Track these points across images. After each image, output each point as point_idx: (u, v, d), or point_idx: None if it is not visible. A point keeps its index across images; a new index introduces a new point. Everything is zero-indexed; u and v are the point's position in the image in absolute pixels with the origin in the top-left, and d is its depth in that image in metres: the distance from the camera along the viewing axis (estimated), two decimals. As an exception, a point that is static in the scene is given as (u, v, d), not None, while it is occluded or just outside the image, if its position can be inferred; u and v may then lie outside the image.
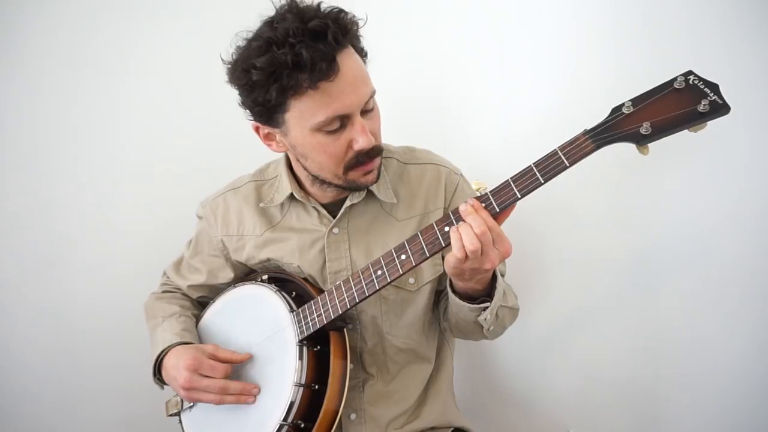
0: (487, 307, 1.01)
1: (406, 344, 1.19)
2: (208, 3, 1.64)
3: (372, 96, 1.02)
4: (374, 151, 1.04)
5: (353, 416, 1.17)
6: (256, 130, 1.10)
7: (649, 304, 1.31)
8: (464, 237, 0.88)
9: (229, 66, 1.02)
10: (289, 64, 0.92)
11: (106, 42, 1.59)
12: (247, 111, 1.05)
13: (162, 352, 1.15)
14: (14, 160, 1.56)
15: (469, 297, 1.03)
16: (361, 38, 1.03)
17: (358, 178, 1.06)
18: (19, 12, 1.52)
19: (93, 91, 1.59)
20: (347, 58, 0.97)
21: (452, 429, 1.24)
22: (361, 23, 1.01)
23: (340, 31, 0.95)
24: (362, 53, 1.04)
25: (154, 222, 1.61)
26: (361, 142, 1.00)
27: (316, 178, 1.10)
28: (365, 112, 1.02)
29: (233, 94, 1.05)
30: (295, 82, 0.93)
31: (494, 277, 1.01)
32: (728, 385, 1.24)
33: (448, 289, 1.04)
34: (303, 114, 0.98)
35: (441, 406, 1.24)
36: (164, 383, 1.20)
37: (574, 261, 1.39)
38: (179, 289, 1.33)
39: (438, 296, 1.23)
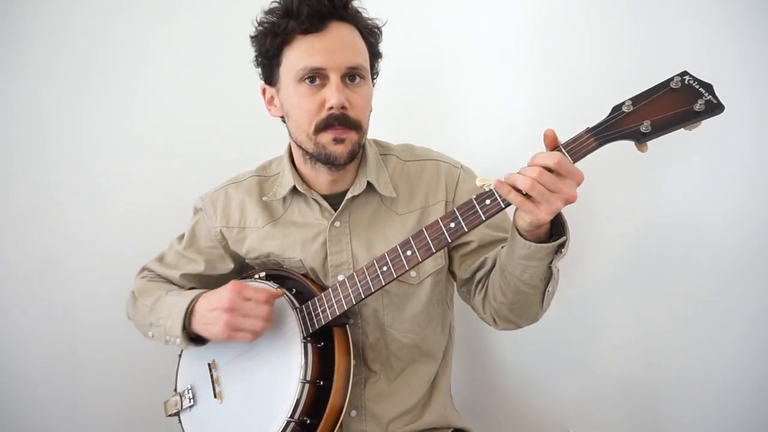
0: (564, 243, 0.97)
1: (409, 338, 1.25)
2: (211, 4, 1.71)
3: (359, 69, 1.12)
4: (347, 120, 1.11)
5: (354, 413, 1.23)
6: (263, 92, 1.22)
7: (649, 304, 1.37)
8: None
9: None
10: (282, 11, 1.10)
11: (107, 43, 1.65)
12: (260, 73, 1.20)
13: (193, 299, 1.17)
14: (16, 159, 1.61)
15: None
16: (378, 38, 1.18)
17: (328, 144, 1.12)
18: (23, 12, 1.58)
19: (95, 91, 1.65)
20: (343, 28, 1.11)
21: (452, 429, 1.30)
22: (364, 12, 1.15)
23: (341, 3, 1.10)
24: (372, 48, 1.18)
25: (154, 221, 1.65)
26: (332, 100, 1.09)
27: (304, 153, 1.18)
28: (351, 82, 1.12)
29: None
30: (285, 26, 1.09)
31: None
32: (728, 384, 1.30)
33: (522, 243, 0.98)
34: (290, 63, 1.11)
35: (441, 407, 1.30)
36: (191, 340, 1.19)
37: (574, 260, 1.42)
38: (168, 279, 1.36)
39: (470, 288, 1.24)
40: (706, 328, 1.31)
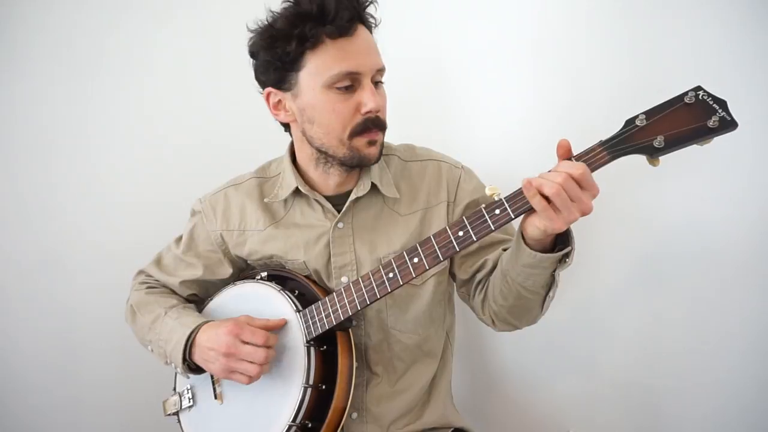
0: (569, 252, 0.99)
1: (412, 339, 1.25)
2: (213, 4, 1.71)
3: (383, 71, 1.13)
4: (380, 123, 1.13)
5: (355, 415, 1.23)
6: (267, 97, 1.18)
7: (649, 304, 1.38)
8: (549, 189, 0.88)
9: (254, 32, 1.12)
10: (313, 13, 1.05)
11: (109, 43, 1.64)
12: (263, 76, 1.15)
13: (193, 331, 1.17)
14: (18, 158, 1.61)
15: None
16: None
17: (362, 147, 1.13)
18: (25, 12, 1.57)
19: (96, 90, 1.65)
20: (364, 31, 1.11)
21: (452, 429, 1.31)
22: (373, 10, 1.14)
23: (364, 6, 1.10)
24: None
25: (155, 219, 1.65)
26: (370, 105, 1.09)
27: (320, 156, 1.17)
28: (375, 84, 1.12)
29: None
30: (315, 32, 1.05)
31: None
32: (728, 385, 1.31)
33: (527, 252, 0.99)
34: (318, 68, 1.08)
35: (441, 407, 1.31)
36: (191, 370, 1.20)
37: (575, 261, 1.45)
38: (166, 286, 1.36)
39: (469, 289, 1.25)
40: (707, 329, 1.32)
